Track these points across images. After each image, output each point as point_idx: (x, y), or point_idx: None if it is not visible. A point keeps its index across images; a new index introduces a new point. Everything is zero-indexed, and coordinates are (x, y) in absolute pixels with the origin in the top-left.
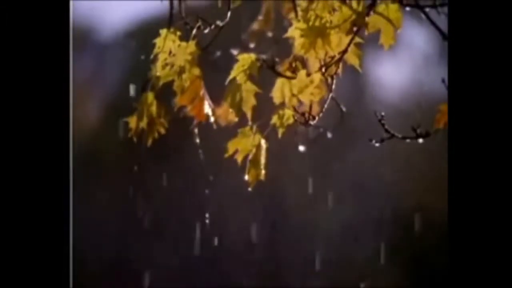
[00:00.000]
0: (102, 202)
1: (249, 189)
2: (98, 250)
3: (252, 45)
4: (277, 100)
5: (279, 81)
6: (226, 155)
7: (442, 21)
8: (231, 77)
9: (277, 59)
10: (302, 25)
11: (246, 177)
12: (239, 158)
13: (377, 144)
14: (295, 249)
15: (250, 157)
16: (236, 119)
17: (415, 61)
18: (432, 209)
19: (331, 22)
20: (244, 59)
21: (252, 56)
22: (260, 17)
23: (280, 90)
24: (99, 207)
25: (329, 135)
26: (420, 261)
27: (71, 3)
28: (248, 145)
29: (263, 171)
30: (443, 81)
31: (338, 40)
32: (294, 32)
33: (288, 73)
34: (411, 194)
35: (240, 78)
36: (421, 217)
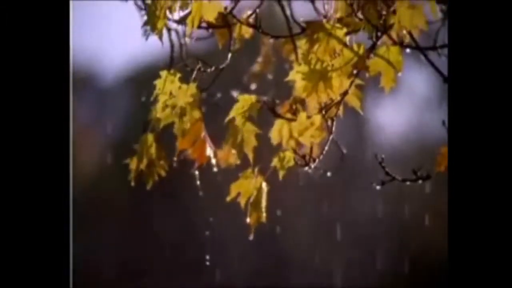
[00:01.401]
0: (102, 245)
1: (252, 232)
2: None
3: (253, 87)
4: (274, 141)
5: (278, 122)
6: (229, 198)
7: (443, 63)
8: (229, 117)
9: (277, 101)
10: (303, 68)
11: (248, 220)
12: (242, 201)
13: (378, 187)
14: None
15: (251, 200)
16: (238, 161)
17: (415, 103)
18: (435, 252)
19: (332, 65)
20: (245, 100)
21: (253, 97)
22: (260, 59)
23: (278, 131)
24: (99, 249)
25: (329, 176)
26: None
27: (71, 46)
28: (250, 188)
29: (264, 214)
30: (443, 123)
31: (340, 83)
32: (296, 75)
33: (289, 115)
34: (413, 236)
35: (239, 120)
36: (423, 259)
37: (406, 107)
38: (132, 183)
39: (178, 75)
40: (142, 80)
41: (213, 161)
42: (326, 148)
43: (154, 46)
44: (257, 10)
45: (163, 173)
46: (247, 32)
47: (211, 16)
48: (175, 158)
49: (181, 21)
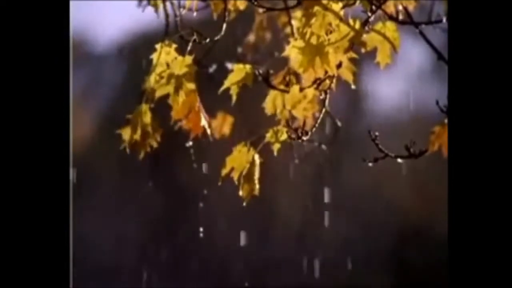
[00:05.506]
0: (96, 215)
1: (244, 204)
2: (93, 262)
3: (248, 58)
4: (268, 111)
5: (272, 93)
6: (223, 172)
7: (437, 36)
8: (224, 87)
9: (271, 71)
10: (299, 43)
11: (240, 193)
12: (235, 175)
13: (370, 164)
14: (289, 265)
15: (244, 172)
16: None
17: (410, 75)
18: (431, 225)
19: (328, 40)
20: (239, 70)
21: (247, 67)
22: (255, 30)
23: (272, 101)
24: (93, 219)
25: (324, 149)
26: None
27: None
28: (242, 161)
29: (257, 186)
30: (437, 102)
31: (336, 58)
32: (292, 50)
33: (282, 86)
34: (407, 209)
35: (234, 89)
36: (416, 233)
37: (402, 80)
38: (128, 152)
39: (174, 46)
40: (136, 49)
41: (208, 131)
42: (319, 121)
43: (149, 16)
44: None
45: (155, 144)
46: (242, 3)
47: None
48: (171, 123)
49: None
